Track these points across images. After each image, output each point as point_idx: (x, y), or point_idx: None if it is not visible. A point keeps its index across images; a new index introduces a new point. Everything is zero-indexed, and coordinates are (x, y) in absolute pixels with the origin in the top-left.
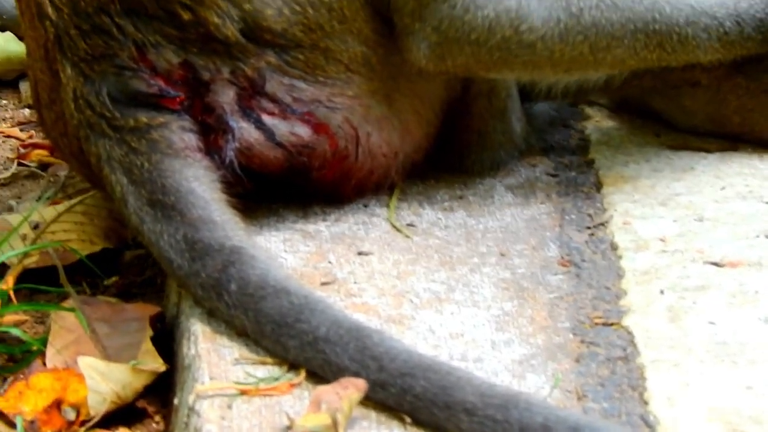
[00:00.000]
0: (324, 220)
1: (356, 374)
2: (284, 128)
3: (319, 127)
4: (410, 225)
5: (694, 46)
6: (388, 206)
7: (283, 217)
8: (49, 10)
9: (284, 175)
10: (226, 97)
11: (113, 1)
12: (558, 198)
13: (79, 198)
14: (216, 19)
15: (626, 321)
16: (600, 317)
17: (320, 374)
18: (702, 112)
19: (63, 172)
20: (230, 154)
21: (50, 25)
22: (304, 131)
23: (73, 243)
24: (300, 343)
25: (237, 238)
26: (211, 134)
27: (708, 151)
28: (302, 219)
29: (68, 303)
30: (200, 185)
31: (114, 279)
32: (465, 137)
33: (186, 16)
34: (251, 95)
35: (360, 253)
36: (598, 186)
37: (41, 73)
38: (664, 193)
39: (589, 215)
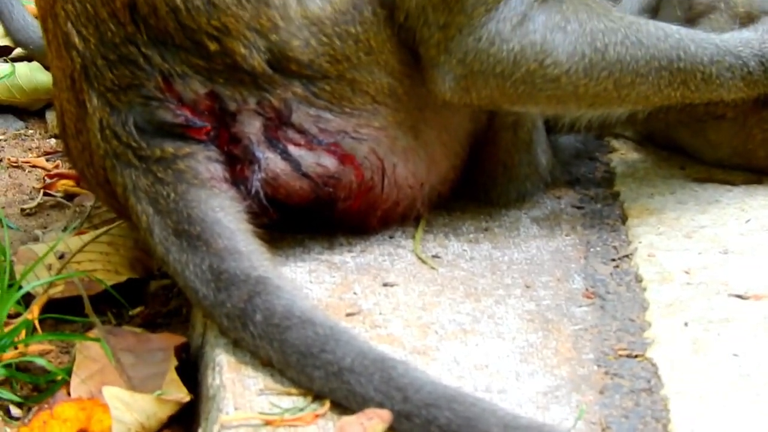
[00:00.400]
0: (350, 251)
1: (381, 405)
2: (310, 159)
3: (345, 158)
4: (436, 256)
5: (718, 85)
6: (413, 237)
7: (308, 247)
8: (76, 40)
9: (310, 206)
10: (252, 127)
11: (140, 32)
12: (583, 230)
13: (104, 228)
14: (242, 50)
15: (650, 353)
16: (624, 349)
17: (345, 405)
18: (727, 146)
19: (89, 203)
20: (256, 184)
21: (77, 55)
22: (330, 162)
23: (98, 273)
24: (325, 374)
25: (262, 268)
26: (237, 164)
27: (733, 184)
28: (328, 250)
29: (93, 333)
30: (226, 215)
31: (139, 309)
32: (490, 169)
33: (213, 46)
34: (278, 126)
35: (385, 285)
36: (623, 218)
37: (67, 103)
38: (689, 225)
39: (614, 247)
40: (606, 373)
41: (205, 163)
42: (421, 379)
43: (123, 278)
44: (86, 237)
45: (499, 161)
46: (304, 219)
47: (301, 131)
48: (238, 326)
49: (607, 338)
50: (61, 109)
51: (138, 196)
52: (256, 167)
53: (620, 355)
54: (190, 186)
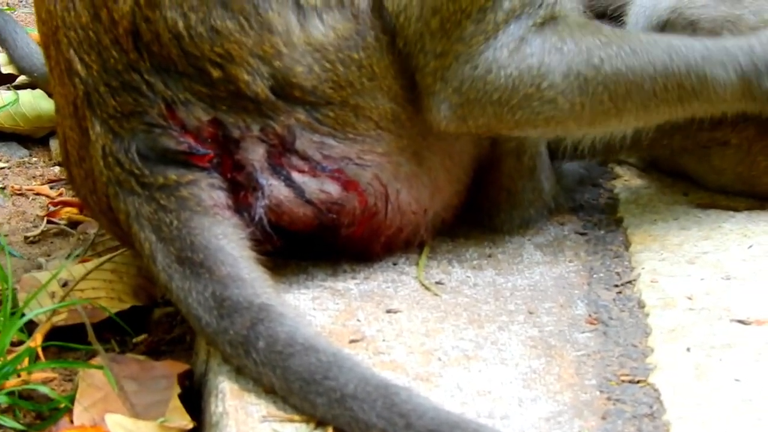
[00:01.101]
0: (353, 278)
1: (384, 431)
2: (314, 185)
3: (348, 184)
4: (439, 283)
5: (714, 83)
6: (417, 264)
7: (312, 275)
8: (79, 67)
9: (314, 233)
10: (255, 154)
11: (143, 59)
12: (586, 256)
13: (108, 256)
14: (246, 77)
15: (653, 378)
16: (627, 375)
17: None
18: (731, 172)
19: (92, 230)
20: (260, 211)
21: (79, 82)
22: (333, 188)
23: (102, 300)
24: (328, 401)
25: (265, 295)
26: (241, 191)
27: (736, 210)
28: (331, 277)
29: (96, 360)
30: (229, 243)
31: (143, 336)
32: (494, 195)
33: (216, 73)
34: (281, 152)
35: (389, 311)
36: (627, 244)
37: (70, 130)
38: (692, 251)
39: (617, 273)
40: (608, 398)
41: (208, 191)
42: (424, 406)
43: (126, 306)
44: (90, 265)
45: (503, 187)
46: (308, 246)
47: (304, 158)
48: (241, 353)
49: (610, 364)
50: (64, 136)
51: (141, 223)
52: (260, 194)
53: (623, 381)
54: (193, 213)
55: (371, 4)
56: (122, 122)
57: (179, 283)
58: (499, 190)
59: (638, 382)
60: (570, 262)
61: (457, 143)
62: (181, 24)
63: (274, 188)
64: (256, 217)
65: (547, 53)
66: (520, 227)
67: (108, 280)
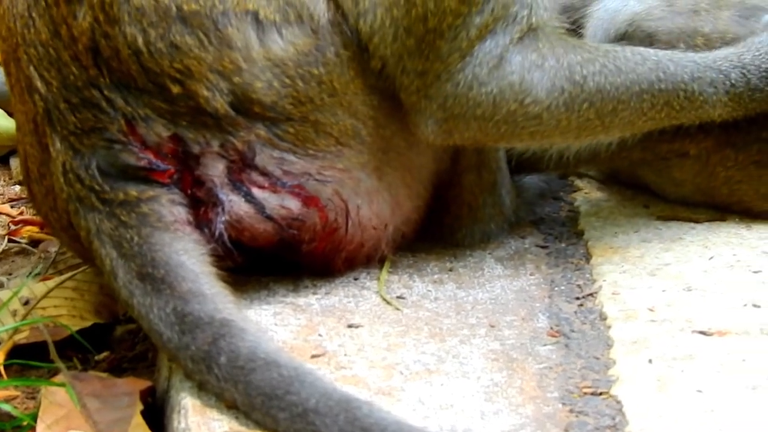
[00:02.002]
0: (314, 293)
1: None
2: (274, 201)
3: (309, 200)
4: (400, 297)
5: (702, 102)
6: (378, 279)
7: (273, 290)
8: (39, 84)
9: (275, 249)
10: (215, 170)
11: (102, 75)
12: (547, 269)
13: (69, 274)
14: (205, 93)
15: (615, 390)
16: (589, 387)
17: None
18: (691, 183)
19: (53, 248)
20: (220, 227)
21: (39, 99)
22: (294, 204)
23: (63, 318)
24: (290, 415)
25: (227, 311)
26: (201, 207)
27: (696, 221)
28: (293, 292)
29: (59, 378)
30: (190, 258)
31: (105, 354)
32: (455, 210)
33: (175, 89)
34: (241, 168)
35: (350, 326)
36: (588, 257)
37: (31, 147)
38: (653, 263)
39: (579, 286)
40: (571, 411)
41: (169, 206)
42: (386, 420)
43: (88, 323)
44: (51, 283)
45: (464, 202)
46: (269, 262)
47: (264, 174)
48: (203, 369)
49: (572, 376)
50: (25, 153)
51: (102, 239)
52: (220, 210)
53: (585, 393)
54: (154, 229)
55: (331, 19)
56: (82, 139)
57: (140, 299)
58: (460, 205)
59: (600, 394)
60: (531, 275)
61: (417, 159)
62: (140, 40)
63: (234, 204)
64: (217, 233)
65: (527, 71)
66: (481, 241)
67: (69, 298)
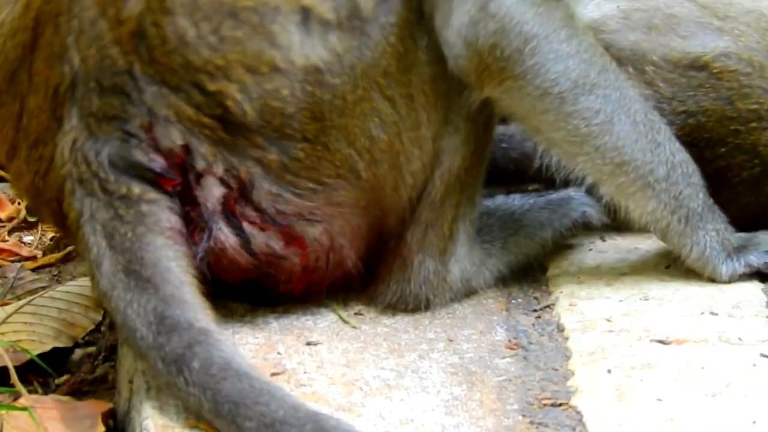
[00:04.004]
0: (272, 311)
1: None
2: (261, 238)
3: (294, 240)
4: (358, 314)
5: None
6: (335, 296)
7: (231, 309)
8: (74, 55)
9: (248, 282)
10: (212, 195)
11: (141, 63)
12: (504, 282)
13: (27, 299)
14: (237, 95)
15: (574, 401)
16: (548, 398)
17: None
18: None
19: (11, 274)
20: (203, 251)
21: (69, 70)
22: (278, 244)
23: (23, 343)
24: (257, 425)
25: (206, 320)
26: (191, 226)
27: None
28: (251, 311)
29: (20, 402)
30: (177, 266)
31: (65, 377)
32: (389, 262)
33: (211, 86)
34: (237, 200)
35: (309, 344)
36: (544, 269)
37: (38, 109)
38: (609, 273)
39: (536, 298)
40: (531, 422)
41: (168, 213)
42: None
43: (48, 347)
44: (9, 308)
45: (398, 255)
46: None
47: (258, 209)
48: (173, 371)
49: (531, 388)
50: (24, 108)
51: (93, 227)
52: (207, 235)
53: (545, 405)
54: (149, 230)
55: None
56: (101, 123)
57: (121, 293)
58: (394, 257)
59: (560, 405)
60: (488, 288)
61: (399, 202)
62: (190, 32)
63: (222, 234)
64: (198, 256)
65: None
66: (402, 305)
67: (29, 323)
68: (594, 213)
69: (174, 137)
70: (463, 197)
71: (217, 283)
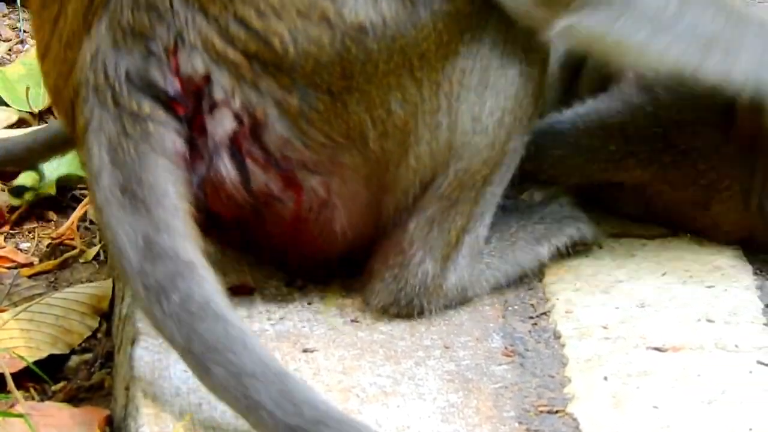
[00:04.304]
0: (269, 318)
1: (272, 414)
2: (261, 178)
3: (292, 185)
4: (355, 321)
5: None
6: (332, 303)
7: None
8: None
9: (238, 221)
10: (222, 128)
11: None
12: (500, 289)
13: (24, 305)
14: (285, 33)
15: (571, 408)
16: (545, 405)
17: (234, 409)
18: (631, 205)
19: (8, 281)
20: (200, 179)
21: None
22: (276, 187)
23: (19, 350)
24: (224, 372)
25: (193, 253)
26: (195, 152)
27: (648, 238)
28: (247, 318)
29: (17, 409)
30: (175, 191)
31: (62, 384)
32: (384, 254)
33: (258, 24)
34: (246, 137)
35: (305, 350)
36: (540, 276)
37: (73, 12)
38: (606, 280)
39: (532, 305)
40: (527, 430)
41: (173, 135)
42: (317, 400)
43: (44, 354)
44: (6, 315)
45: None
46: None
47: (265, 150)
48: (152, 299)
49: (528, 395)
50: (61, 12)
51: (99, 138)
52: (208, 164)
53: (541, 412)
54: (152, 150)
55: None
56: (127, 38)
57: (114, 211)
58: (393, 250)
59: (557, 412)
60: (484, 295)
61: (401, 183)
62: None
63: (223, 166)
64: (195, 184)
65: None
66: (390, 307)
67: (25, 330)
68: (588, 230)
69: (197, 65)
70: (477, 209)
71: (210, 216)
